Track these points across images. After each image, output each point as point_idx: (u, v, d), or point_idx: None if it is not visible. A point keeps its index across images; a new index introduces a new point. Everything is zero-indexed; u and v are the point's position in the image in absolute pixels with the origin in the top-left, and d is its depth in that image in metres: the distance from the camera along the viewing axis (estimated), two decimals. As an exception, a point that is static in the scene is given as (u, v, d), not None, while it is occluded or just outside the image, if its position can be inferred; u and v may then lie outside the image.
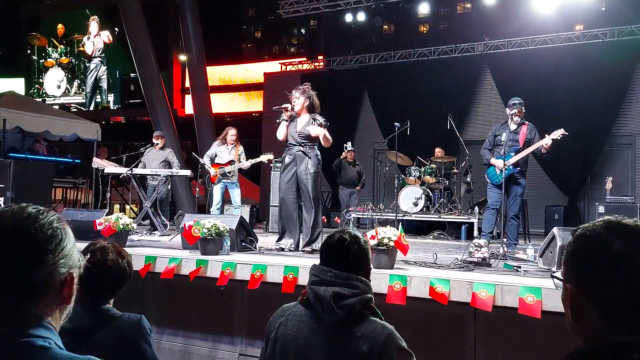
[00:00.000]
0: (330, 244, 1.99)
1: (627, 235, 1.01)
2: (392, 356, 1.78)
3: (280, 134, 5.46)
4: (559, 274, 1.10)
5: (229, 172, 7.83)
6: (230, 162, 7.79)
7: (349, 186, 10.38)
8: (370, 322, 1.87)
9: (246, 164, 7.66)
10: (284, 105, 5.46)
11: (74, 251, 1.10)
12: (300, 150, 5.30)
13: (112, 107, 20.57)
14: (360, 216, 9.45)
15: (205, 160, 7.79)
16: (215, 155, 7.84)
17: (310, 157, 5.26)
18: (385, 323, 1.87)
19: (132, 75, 19.35)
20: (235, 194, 7.85)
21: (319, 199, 5.35)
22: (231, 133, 7.82)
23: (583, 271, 1.02)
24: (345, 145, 10.34)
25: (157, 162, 8.14)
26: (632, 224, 1.03)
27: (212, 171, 7.71)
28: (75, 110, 19.91)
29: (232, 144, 7.83)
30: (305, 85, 5.52)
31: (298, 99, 5.36)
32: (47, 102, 19.72)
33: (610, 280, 0.99)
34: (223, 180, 7.71)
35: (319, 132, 5.20)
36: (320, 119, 5.29)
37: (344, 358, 1.82)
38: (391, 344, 1.80)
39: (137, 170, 7.59)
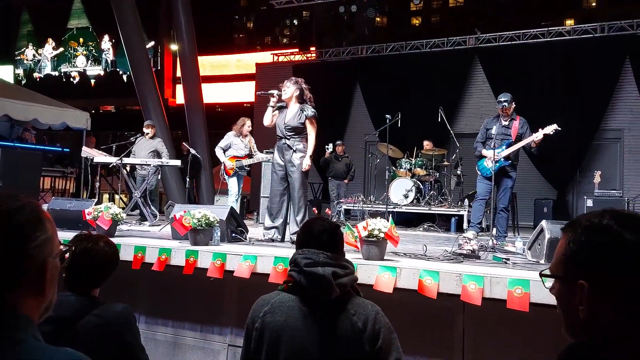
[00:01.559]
0: (315, 230, 2.05)
1: (634, 225, 0.98)
2: (381, 332, 1.90)
3: (266, 119, 5.42)
4: (548, 272, 1.07)
5: (248, 166, 7.78)
6: (249, 156, 7.73)
7: (337, 178, 10.44)
8: (359, 300, 1.98)
9: (260, 156, 7.65)
10: (270, 91, 5.40)
11: (51, 240, 1.07)
12: (286, 144, 5.27)
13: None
14: (351, 208, 9.46)
15: (219, 152, 7.66)
16: (229, 147, 7.72)
17: (295, 151, 5.23)
18: (371, 302, 1.99)
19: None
20: (240, 185, 7.83)
21: (306, 190, 5.35)
22: (248, 124, 7.71)
23: (596, 266, 0.98)
24: (326, 146, 10.38)
25: (146, 151, 8.07)
26: (633, 214, 1.01)
27: (229, 163, 7.59)
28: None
29: (247, 136, 7.76)
30: (299, 79, 5.45)
31: (288, 88, 5.31)
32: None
33: (626, 272, 0.95)
34: (239, 172, 7.65)
35: (306, 161, 5.18)
36: (309, 111, 5.22)
37: (341, 335, 1.87)
38: (381, 319, 1.94)
39: (126, 160, 7.53)
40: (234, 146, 7.73)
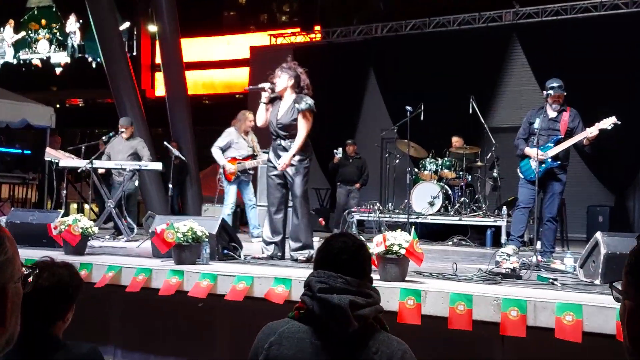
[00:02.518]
0: (333, 248, 2.03)
1: None
2: None
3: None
4: (619, 285, 1.08)
5: (251, 170, 7.74)
6: (252, 157, 7.68)
7: (346, 183, 10.45)
8: (384, 336, 1.95)
9: (266, 157, 7.71)
10: (260, 85, 5.40)
11: (11, 262, 1.06)
12: (280, 145, 5.28)
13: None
14: (365, 218, 9.46)
15: (216, 152, 7.62)
16: (229, 147, 7.69)
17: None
18: (398, 338, 1.97)
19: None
20: (250, 191, 7.78)
21: (307, 197, 5.36)
22: (251, 119, 7.58)
23: None
24: (335, 151, 10.40)
25: (124, 153, 8.11)
26: None
27: (230, 167, 7.53)
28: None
29: (249, 133, 7.76)
30: (291, 62, 5.45)
31: (280, 78, 5.31)
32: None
33: None
34: (241, 178, 7.61)
35: (285, 158, 5.16)
36: (303, 104, 5.17)
37: None
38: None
39: (98, 163, 7.58)
40: (235, 145, 7.68)
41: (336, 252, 2.02)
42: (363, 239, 2.14)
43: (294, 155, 5.20)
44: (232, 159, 7.60)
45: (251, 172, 7.81)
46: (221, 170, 7.82)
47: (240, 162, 7.59)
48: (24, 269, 1.11)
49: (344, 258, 1.99)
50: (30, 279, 1.12)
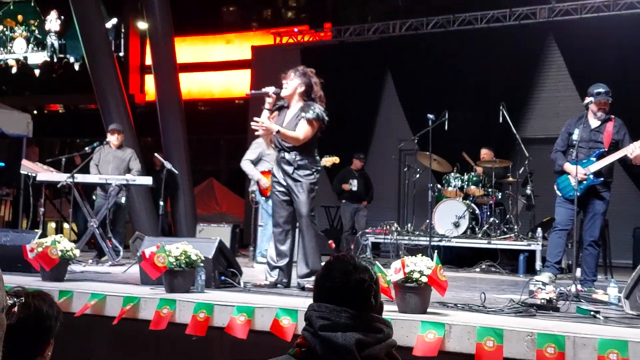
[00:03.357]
0: (335, 275, 1.98)
1: None
2: None
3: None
4: None
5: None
6: None
7: (353, 201, 10.51)
8: None
9: None
10: (263, 90, 5.42)
11: None
12: (284, 158, 5.31)
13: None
14: (381, 241, 9.45)
15: (247, 166, 7.65)
16: (260, 160, 7.73)
17: (298, 167, 5.27)
18: None
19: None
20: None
21: (314, 217, 5.40)
22: None
23: None
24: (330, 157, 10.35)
25: (114, 165, 8.18)
26: None
27: (266, 181, 7.50)
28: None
29: None
30: (309, 69, 5.44)
31: (291, 81, 5.34)
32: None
33: None
34: None
35: (287, 133, 5.18)
36: (310, 112, 5.18)
37: None
38: None
39: (80, 178, 7.63)
40: (266, 157, 7.67)
41: (338, 280, 1.96)
42: (372, 261, 2.10)
43: (278, 131, 5.19)
44: (266, 172, 7.54)
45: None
46: (254, 187, 7.83)
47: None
48: (8, 298, 1.13)
49: (350, 286, 1.95)
50: (15, 309, 1.14)
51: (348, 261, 2.02)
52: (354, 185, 10.52)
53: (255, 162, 7.74)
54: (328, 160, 7.84)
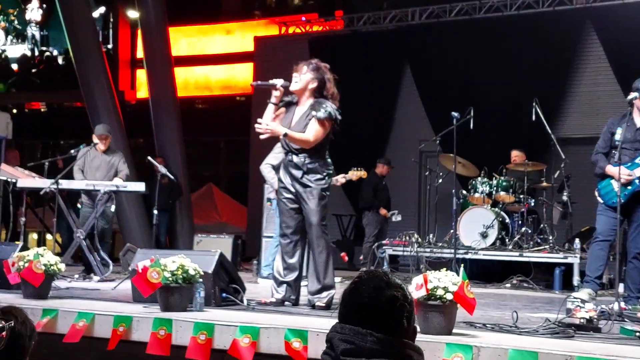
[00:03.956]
0: (363, 294, 1.95)
1: None
2: None
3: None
4: None
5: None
6: None
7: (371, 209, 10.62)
8: None
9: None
10: (270, 82, 5.43)
11: None
12: (292, 161, 5.33)
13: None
14: (400, 253, 9.44)
15: (269, 171, 7.71)
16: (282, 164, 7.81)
17: (307, 171, 5.28)
18: None
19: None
20: None
21: (326, 227, 5.40)
22: None
23: None
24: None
25: (101, 171, 8.21)
26: None
27: None
28: None
29: None
30: (324, 64, 5.42)
31: (303, 75, 5.34)
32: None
33: None
34: None
35: (295, 135, 5.20)
36: (322, 110, 5.19)
37: None
38: None
39: (65, 184, 7.66)
40: None
41: (366, 299, 1.93)
42: (396, 279, 2.04)
43: (285, 135, 5.20)
44: None
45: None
46: (271, 195, 7.86)
47: None
48: None
49: (375, 307, 1.92)
50: (4, 333, 1.15)
51: (380, 277, 1.98)
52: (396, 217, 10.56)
53: (277, 168, 7.78)
54: (355, 174, 7.89)
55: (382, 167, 10.77)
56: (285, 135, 5.21)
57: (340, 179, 7.97)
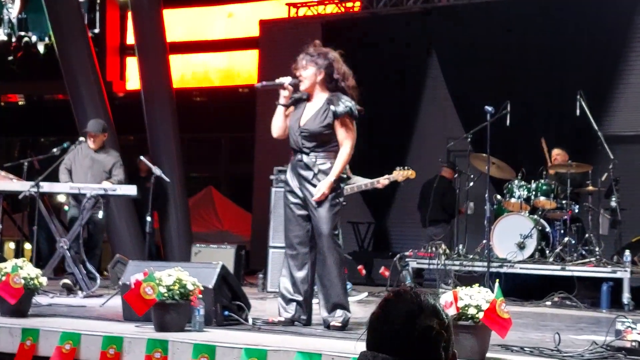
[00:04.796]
0: (394, 319, 1.95)
1: None
2: None
3: (274, 128, 5.54)
4: None
5: (343, 200, 7.86)
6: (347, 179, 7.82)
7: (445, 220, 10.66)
8: None
9: (361, 181, 7.83)
10: (277, 81, 5.49)
11: None
12: (302, 162, 5.35)
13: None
14: (425, 266, 9.43)
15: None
16: None
17: (318, 172, 5.30)
18: None
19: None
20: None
21: (339, 237, 5.44)
22: None
23: None
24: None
25: (93, 172, 8.25)
26: None
27: None
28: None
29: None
30: (320, 46, 5.50)
31: (305, 71, 5.39)
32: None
33: None
34: None
35: (324, 185, 5.24)
36: (341, 105, 5.24)
37: None
38: None
39: (47, 187, 7.69)
40: None
41: (398, 326, 1.93)
42: (434, 299, 2.02)
43: (334, 182, 5.25)
44: None
45: (343, 202, 7.90)
46: None
47: None
48: None
49: (409, 338, 1.92)
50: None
51: (412, 299, 1.97)
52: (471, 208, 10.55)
53: None
54: (401, 174, 7.85)
55: (448, 170, 10.80)
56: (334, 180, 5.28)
57: (382, 180, 7.92)
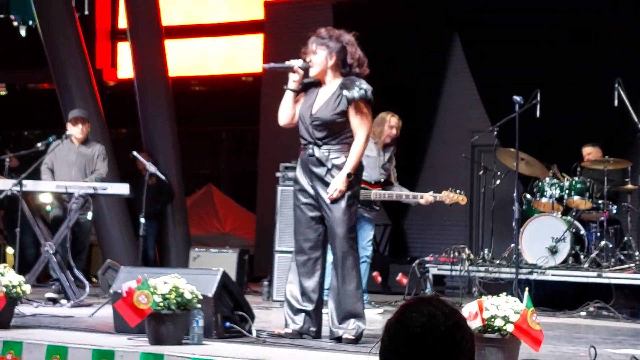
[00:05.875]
0: (413, 328, 1.94)
1: None
2: None
3: (282, 115, 5.54)
4: None
5: (377, 205, 7.93)
6: (385, 183, 7.86)
7: None
8: None
9: (405, 193, 7.92)
10: (287, 63, 5.50)
11: None
12: (314, 156, 5.35)
13: None
14: (447, 273, 9.42)
15: None
16: None
17: (332, 167, 5.30)
18: None
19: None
20: (367, 236, 7.93)
21: (355, 240, 5.42)
22: (393, 124, 7.96)
23: None
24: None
25: (78, 167, 8.28)
26: None
27: None
28: None
29: (391, 146, 8.00)
30: (331, 29, 5.51)
31: (316, 56, 5.40)
32: None
33: None
34: (364, 214, 7.70)
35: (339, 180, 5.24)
36: (355, 90, 5.26)
37: None
38: None
39: (31, 185, 7.72)
40: (366, 161, 7.74)
41: (418, 329, 1.93)
42: (456, 308, 2.02)
43: (349, 175, 5.23)
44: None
45: (377, 207, 7.88)
46: None
47: (365, 187, 7.53)
48: None
49: (431, 340, 1.92)
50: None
51: (434, 304, 1.98)
52: None
53: None
54: (449, 197, 7.95)
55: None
56: (349, 175, 5.26)
57: (427, 197, 7.95)
